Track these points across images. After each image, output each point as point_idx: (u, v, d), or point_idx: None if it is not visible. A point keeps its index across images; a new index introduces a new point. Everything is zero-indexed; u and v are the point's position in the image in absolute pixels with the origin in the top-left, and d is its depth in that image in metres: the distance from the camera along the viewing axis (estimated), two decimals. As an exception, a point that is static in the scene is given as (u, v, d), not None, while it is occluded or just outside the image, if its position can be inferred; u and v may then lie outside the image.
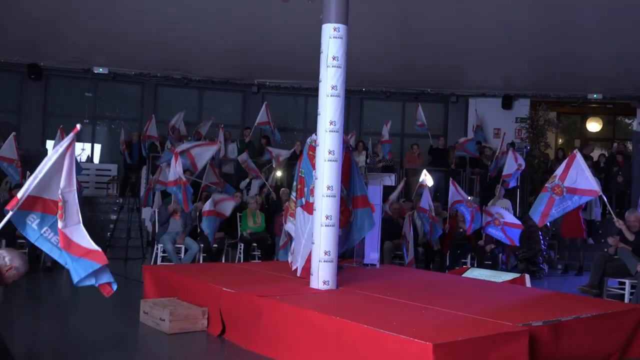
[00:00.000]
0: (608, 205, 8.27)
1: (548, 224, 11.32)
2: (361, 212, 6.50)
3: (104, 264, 4.19)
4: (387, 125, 13.55)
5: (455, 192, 10.40)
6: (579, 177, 7.73)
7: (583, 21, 10.77)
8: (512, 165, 11.71)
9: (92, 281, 4.21)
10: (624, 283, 7.52)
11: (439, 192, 13.10)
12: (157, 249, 9.87)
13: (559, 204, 7.78)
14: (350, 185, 6.49)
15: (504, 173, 11.86)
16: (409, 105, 15.73)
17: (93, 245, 4.17)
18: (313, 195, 6.21)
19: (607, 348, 5.41)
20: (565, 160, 7.95)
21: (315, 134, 6.53)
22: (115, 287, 4.32)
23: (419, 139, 15.06)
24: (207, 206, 9.74)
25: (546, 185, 7.91)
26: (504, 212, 9.74)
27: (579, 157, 7.80)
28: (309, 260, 6.19)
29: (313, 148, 6.46)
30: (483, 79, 14.86)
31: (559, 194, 7.79)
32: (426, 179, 11.25)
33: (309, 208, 6.32)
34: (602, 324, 5.39)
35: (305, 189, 6.43)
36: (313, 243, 6.04)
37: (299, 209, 6.49)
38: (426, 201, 10.15)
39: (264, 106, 13.87)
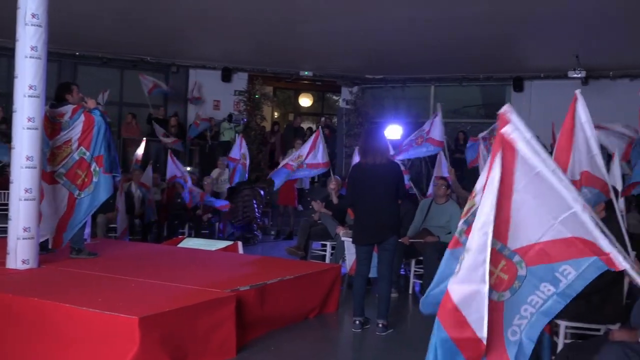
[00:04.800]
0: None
1: (262, 193, 11.96)
2: (101, 173, 6.17)
3: None
4: (105, 94, 12.83)
5: (173, 165, 10.45)
6: (318, 154, 9.05)
7: (297, 3, 11.39)
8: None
9: None
10: (325, 245, 8.27)
11: (159, 163, 12.94)
12: None
13: (296, 174, 9.25)
14: (92, 145, 6.07)
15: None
16: (128, 73, 15.14)
17: None
18: (50, 164, 5.92)
19: (308, 305, 5.93)
20: (311, 140, 9.16)
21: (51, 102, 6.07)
22: None
23: (138, 108, 14.61)
24: None
25: (290, 163, 9.09)
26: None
27: (321, 136, 9.18)
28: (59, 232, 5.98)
29: (47, 117, 5.90)
30: (203, 50, 14.91)
31: (299, 167, 9.00)
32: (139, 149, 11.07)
33: (46, 177, 5.88)
34: (304, 284, 5.87)
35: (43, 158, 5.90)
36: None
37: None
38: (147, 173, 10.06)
39: None
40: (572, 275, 2.59)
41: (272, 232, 12.30)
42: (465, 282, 2.60)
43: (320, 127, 10.64)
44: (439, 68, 14.78)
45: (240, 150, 11.33)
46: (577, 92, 4.06)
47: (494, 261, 2.64)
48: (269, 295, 5.26)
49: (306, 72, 15.98)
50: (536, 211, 2.62)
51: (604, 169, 4.08)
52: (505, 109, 2.69)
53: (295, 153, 9.40)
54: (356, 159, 9.04)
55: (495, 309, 2.65)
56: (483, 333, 2.56)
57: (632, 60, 12.81)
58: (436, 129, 9.24)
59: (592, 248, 2.55)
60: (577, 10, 10.23)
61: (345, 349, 5.58)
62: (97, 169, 6.10)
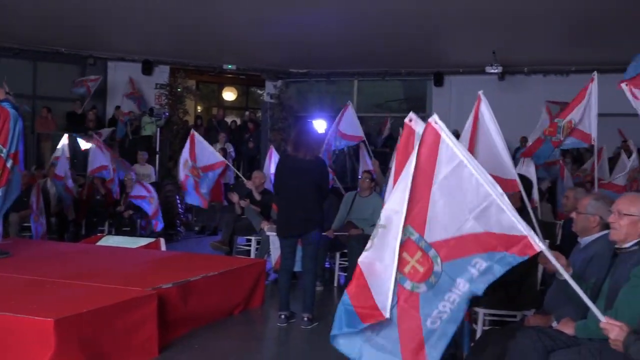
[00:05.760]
0: (237, 171, 9.09)
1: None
2: (17, 171, 5.89)
3: None
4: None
5: (101, 155, 10.12)
6: (205, 155, 8.49)
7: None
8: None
9: None
10: (250, 240, 8.20)
11: (76, 159, 12.47)
12: None
13: (202, 184, 8.55)
14: (9, 141, 5.77)
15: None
16: (42, 65, 14.49)
17: None
18: None
19: (233, 301, 5.87)
20: (188, 143, 8.55)
21: None
22: None
23: (52, 101, 14.03)
24: None
25: (187, 173, 8.49)
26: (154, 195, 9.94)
27: (197, 136, 8.57)
28: None
29: None
30: (122, 42, 14.44)
31: (197, 176, 8.41)
32: (64, 145, 10.62)
33: None
34: (228, 280, 5.80)
35: None
36: None
37: None
38: (62, 168, 9.65)
39: None
40: (483, 266, 2.68)
41: (196, 228, 12.11)
42: (377, 260, 2.71)
43: (192, 129, 10.35)
44: (362, 63, 14.94)
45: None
46: (480, 92, 4.24)
47: (410, 251, 2.74)
48: (193, 292, 5.16)
49: (230, 66, 15.77)
50: (453, 204, 2.70)
51: (509, 163, 4.25)
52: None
53: (181, 161, 8.71)
54: (274, 155, 9.04)
55: (409, 298, 2.75)
56: (386, 314, 2.71)
57: (546, 57, 13.38)
58: (345, 123, 9.41)
59: (504, 243, 2.65)
60: (494, 8, 10.58)
61: (270, 344, 5.56)
62: (14, 166, 5.84)
